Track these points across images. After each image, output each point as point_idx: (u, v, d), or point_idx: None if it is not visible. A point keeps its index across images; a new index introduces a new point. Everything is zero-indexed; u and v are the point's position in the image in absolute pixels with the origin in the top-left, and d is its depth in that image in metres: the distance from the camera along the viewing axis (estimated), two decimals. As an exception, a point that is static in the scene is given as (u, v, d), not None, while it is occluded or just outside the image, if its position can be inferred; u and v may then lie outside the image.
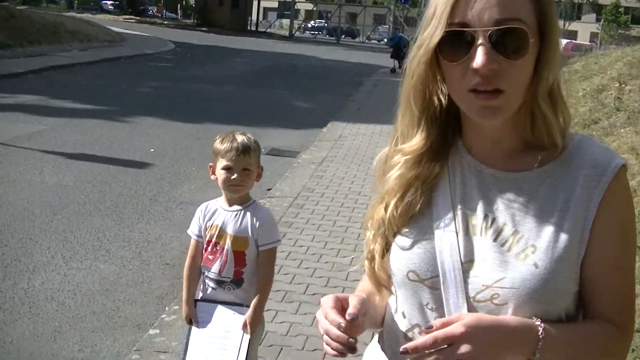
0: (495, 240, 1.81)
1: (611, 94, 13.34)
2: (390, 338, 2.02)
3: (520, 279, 1.73)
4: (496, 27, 1.67)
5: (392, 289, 2.01)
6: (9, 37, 27.92)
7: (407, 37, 38.15)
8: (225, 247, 4.07)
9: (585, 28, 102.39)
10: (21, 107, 16.30)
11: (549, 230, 1.77)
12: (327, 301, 1.86)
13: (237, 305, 4.11)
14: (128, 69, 27.34)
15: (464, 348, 1.62)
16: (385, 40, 77.46)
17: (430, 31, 1.75)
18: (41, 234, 8.19)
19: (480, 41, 1.68)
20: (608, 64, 16.58)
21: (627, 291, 1.87)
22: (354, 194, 10.59)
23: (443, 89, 1.85)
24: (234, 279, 4.07)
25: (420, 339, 1.66)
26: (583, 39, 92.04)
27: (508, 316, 1.72)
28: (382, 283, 2.02)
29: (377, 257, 1.98)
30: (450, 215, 1.87)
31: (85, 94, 19.29)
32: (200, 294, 4.25)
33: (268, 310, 5.76)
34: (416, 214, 1.92)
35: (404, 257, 1.90)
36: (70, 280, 7.03)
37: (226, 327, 4.11)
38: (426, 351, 1.65)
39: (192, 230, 4.27)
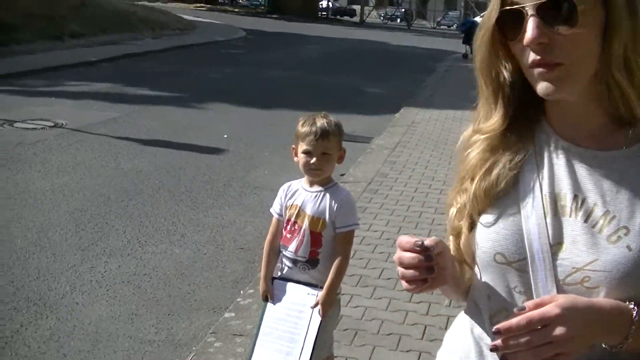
0: (586, 221, 1.74)
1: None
2: (476, 319, 1.99)
3: (613, 262, 1.67)
4: (541, 1, 1.64)
5: (476, 269, 1.97)
6: (82, 25, 28.26)
7: (479, 21, 37.90)
8: (303, 226, 4.07)
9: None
10: (95, 95, 16.53)
11: None
12: (402, 237, 1.82)
13: (312, 285, 4.09)
14: (199, 56, 27.49)
15: (559, 330, 1.57)
16: (456, 25, 77.22)
17: (488, 12, 1.77)
18: (117, 218, 8.28)
19: (529, 16, 1.66)
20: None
21: None
22: (427, 179, 10.51)
23: (507, 66, 1.82)
24: (310, 259, 4.06)
25: (513, 320, 1.60)
26: None
27: (601, 298, 1.66)
28: (466, 260, 1.97)
29: (464, 233, 1.93)
30: (537, 195, 1.81)
31: (157, 81, 19.47)
32: (278, 273, 4.25)
33: (343, 294, 5.75)
34: (501, 194, 1.86)
35: (491, 238, 1.84)
36: (146, 264, 7.09)
37: (300, 306, 4.10)
38: (519, 332, 1.59)
39: (274, 209, 4.30)
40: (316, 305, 4.03)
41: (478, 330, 1.97)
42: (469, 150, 1.93)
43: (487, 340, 1.91)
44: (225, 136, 13.11)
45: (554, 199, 1.80)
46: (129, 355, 5.45)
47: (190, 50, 29.60)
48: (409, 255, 1.77)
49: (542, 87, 1.70)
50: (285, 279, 4.20)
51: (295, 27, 48.06)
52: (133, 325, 5.88)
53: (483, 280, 1.92)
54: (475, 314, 2.00)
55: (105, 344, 5.57)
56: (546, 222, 1.78)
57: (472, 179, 1.91)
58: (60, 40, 25.49)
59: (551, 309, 1.58)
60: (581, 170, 1.79)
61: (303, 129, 4.04)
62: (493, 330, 1.63)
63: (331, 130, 4.03)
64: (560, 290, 1.72)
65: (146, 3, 53.67)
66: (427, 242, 1.77)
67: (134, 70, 21.86)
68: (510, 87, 1.83)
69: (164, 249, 7.49)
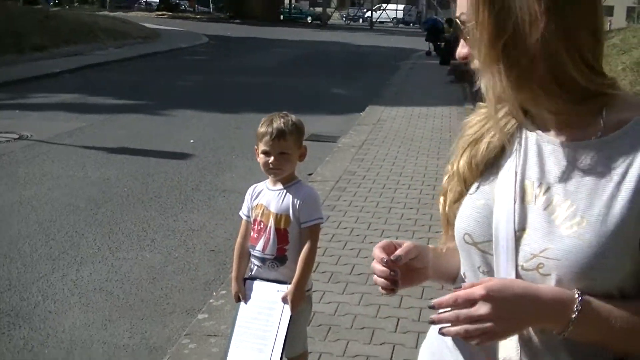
0: (545, 209, 1.78)
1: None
2: None
3: (564, 251, 1.70)
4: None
5: None
6: (45, 38, 28.12)
7: (441, 19, 38.00)
8: (269, 225, 4.11)
9: (622, 3, 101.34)
10: (61, 106, 16.46)
11: (600, 203, 1.72)
12: (379, 243, 2.01)
13: (281, 282, 4.13)
14: (164, 64, 27.44)
15: (483, 309, 1.64)
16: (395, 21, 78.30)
17: None
18: (87, 227, 8.27)
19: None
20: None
21: None
22: (395, 175, 10.57)
23: None
24: (277, 256, 4.10)
25: (445, 296, 1.70)
26: (620, 14, 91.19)
27: (544, 286, 1.71)
28: (450, 222, 2.05)
29: (450, 195, 2.03)
30: (510, 181, 1.86)
31: (122, 90, 19.42)
32: (249, 273, 4.29)
33: (315, 291, 5.78)
34: (485, 170, 1.95)
35: (463, 217, 1.93)
36: (117, 270, 7.09)
37: (270, 303, 4.14)
38: (448, 309, 1.70)
39: (243, 211, 4.36)
40: (285, 300, 4.07)
41: None
42: (472, 120, 2.04)
43: None
44: (192, 142, 13.11)
45: (523, 185, 1.84)
46: (104, 361, 5.47)
47: (153, 58, 29.53)
48: (378, 268, 1.96)
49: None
50: (255, 278, 4.25)
51: (258, 31, 48.04)
52: (107, 331, 5.88)
53: (460, 258, 2.00)
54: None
55: (80, 351, 5.57)
56: (514, 208, 1.82)
57: (465, 150, 2.00)
58: (22, 54, 25.34)
59: (477, 290, 1.66)
60: (550, 158, 1.83)
61: (261, 129, 4.09)
62: (428, 305, 1.74)
63: (287, 130, 4.06)
64: (518, 274, 1.77)
65: (107, 13, 53.54)
66: (397, 252, 1.96)
67: (98, 80, 21.77)
68: None
69: (134, 255, 7.49)
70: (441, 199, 2.08)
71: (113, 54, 29.27)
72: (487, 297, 1.64)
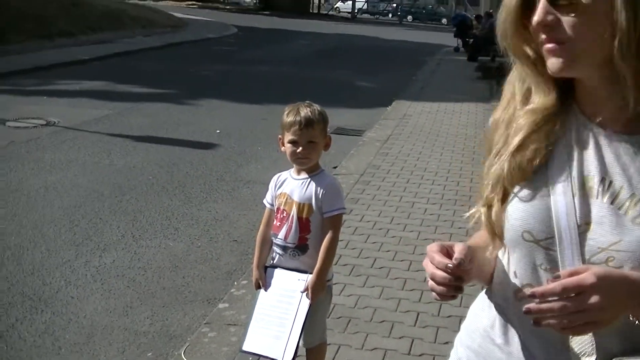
0: (612, 203, 1.77)
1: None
2: (500, 295, 2.04)
3: (637, 243, 1.70)
4: None
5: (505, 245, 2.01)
6: (73, 25, 28.19)
7: (470, 15, 37.89)
8: (291, 213, 4.14)
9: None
10: (88, 93, 16.51)
11: None
12: (433, 247, 1.91)
13: (302, 271, 4.14)
14: (191, 53, 27.47)
15: (594, 298, 1.59)
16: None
17: None
18: (111, 214, 8.31)
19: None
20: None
21: None
22: (419, 171, 10.57)
23: (535, 46, 1.85)
24: (299, 244, 4.12)
25: (549, 285, 1.64)
26: None
27: (633, 272, 1.68)
28: (497, 232, 1.98)
29: (495, 204, 1.97)
30: (566, 176, 1.85)
31: (149, 78, 19.48)
32: (270, 262, 4.31)
33: (336, 283, 5.81)
34: (534, 170, 1.90)
35: (519, 217, 1.89)
36: (140, 257, 7.13)
37: (290, 292, 4.16)
38: (553, 298, 1.63)
39: (266, 200, 4.40)
40: (305, 290, 4.08)
41: (500, 305, 2.03)
42: (515, 128, 1.94)
43: (510, 315, 2.00)
44: (218, 131, 13.16)
45: (582, 180, 1.83)
46: (124, 347, 5.49)
47: (181, 47, 29.56)
48: (441, 275, 1.85)
49: (550, 64, 1.77)
50: (276, 267, 4.27)
51: (286, 24, 48.00)
52: (128, 318, 5.92)
53: (511, 256, 1.97)
54: (499, 290, 2.05)
55: (100, 336, 5.61)
56: (574, 203, 1.81)
57: (508, 156, 1.93)
58: (51, 40, 25.45)
59: (587, 277, 1.61)
60: (609, 153, 1.81)
61: (288, 118, 4.09)
62: (529, 292, 1.68)
63: (315, 119, 4.07)
64: None
65: (137, 1, 53.60)
66: (457, 255, 1.85)
67: (125, 68, 21.83)
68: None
69: (157, 243, 7.53)
70: (483, 210, 2.01)
71: (141, 42, 29.30)
72: (597, 285, 1.60)
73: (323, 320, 4.46)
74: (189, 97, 16.80)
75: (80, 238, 7.52)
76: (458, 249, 1.88)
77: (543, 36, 1.75)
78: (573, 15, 1.70)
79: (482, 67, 25.53)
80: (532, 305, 1.66)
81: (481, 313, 2.13)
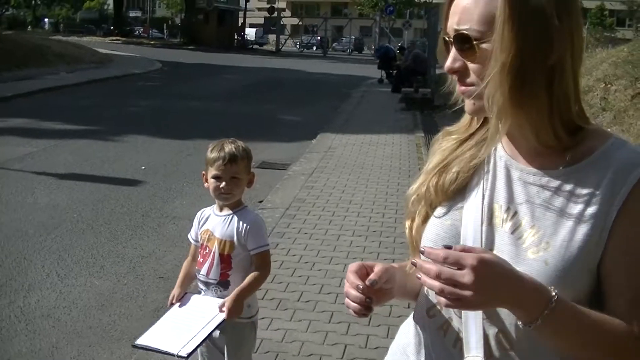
0: (512, 233, 1.88)
1: (597, 94, 13.47)
2: (419, 314, 2.14)
3: (530, 274, 1.76)
4: (455, 34, 1.87)
5: None
6: (-3, 61, 27.98)
7: (393, 47, 38.29)
8: (213, 249, 4.17)
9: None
10: (11, 130, 16.35)
11: (565, 229, 1.81)
12: (353, 267, 2.01)
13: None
14: (116, 89, 27.38)
15: (467, 277, 1.63)
16: (349, 50, 79.14)
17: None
18: (35, 253, 8.24)
19: (450, 47, 1.90)
20: (593, 65, 16.70)
21: None
22: (345, 203, 10.66)
23: None
24: (220, 280, 4.14)
25: (438, 249, 1.70)
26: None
27: (527, 275, 1.73)
28: (417, 246, 2.07)
29: (417, 219, 2.09)
30: (478, 204, 1.96)
31: (74, 115, 19.33)
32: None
33: (263, 318, 5.84)
34: (453, 192, 2.03)
35: (431, 238, 2.01)
36: (65, 297, 7.08)
37: (206, 309, 4.13)
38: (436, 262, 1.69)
39: (191, 235, 4.43)
40: (222, 305, 4.06)
41: (420, 324, 2.12)
42: (443, 147, 2.10)
43: (425, 333, 2.09)
44: (143, 168, 13.12)
45: (491, 209, 1.95)
46: (51, 388, 5.46)
47: (106, 83, 29.44)
48: (353, 294, 1.95)
49: (465, 106, 1.92)
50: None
51: (211, 58, 47.98)
52: (54, 359, 5.86)
53: None
54: (418, 309, 2.14)
55: (26, 377, 5.57)
56: (482, 230, 1.93)
57: (433, 175, 2.07)
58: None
59: (469, 257, 1.65)
60: (518, 185, 1.93)
61: (212, 154, 4.13)
62: (420, 249, 1.78)
63: (239, 155, 4.12)
64: None
65: (60, 38, 53.23)
66: (372, 277, 1.97)
67: (49, 104, 21.67)
68: None
69: (83, 282, 7.48)
70: (407, 222, 2.14)
71: (65, 78, 29.12)
72: (476, 268, 1.63)
73: (249, 356, 4.48)
74: (114, 134, 16.73)
75: (4, 279, 7.44)
76: (375, 270, 1.99)
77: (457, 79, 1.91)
78: (473, 60, 1.85)
79: (406, 98, 25.83)
80: (417, 260, 1.74)
81: (404, 331, 2.23)
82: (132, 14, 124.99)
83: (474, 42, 1.83)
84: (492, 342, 1.89)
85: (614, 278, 1.80)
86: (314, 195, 11.18)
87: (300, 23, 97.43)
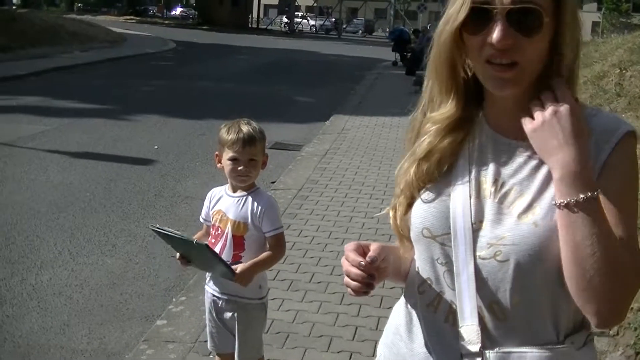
0: (502, 203, 1.93)
1: (612, 80, 13.39)
2: (410, 293, 2.18)
3: (520, 236, 1.85)
4: (513, 6, 1.81)
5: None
6: (11, 39, 28.04)
7: (407, 30, 38.20)
8: (226, 231, 4.13)
9: (587, 17, 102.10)
10: (24, 109, 16.38)
11: (551, 193, 1.86)
12: (350, 246, 2.05)
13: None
14: (129, 68, 27.39)
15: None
16: (361, 32, 79.15)
17: (456, 8, 1.88)
18: (47, 231, 8.25)
19: (498, 18, 1.81)
20: (609, 51, 16.63)
21: (633, 241, 1.89)
22: (357, 185, 10.64)
23: (467, 61, 1.98)
24: (233, 262, 4.08)
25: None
26: (585, 29, 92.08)
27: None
28: (403, 234, 2.14)
29: (400, 208, 2.12)
30: (466, 179, 2.01)
31: (87, 94, 19.35)
32: (205, 279, 4.31)
33: (274, 298, 5.87)
34: (440, 175, 2.06)
35: (421, 215, 2.04)
36: (77, 275, 7.09)
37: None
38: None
39: (202, 216, 4.40)
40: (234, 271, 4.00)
41: (411, 302, 2.16)
42: (424, 138, 2.08)
43: (416, 311, 2.13)
44: (156, 147, 13.12)
45: (479, 182, 1.99)
46: (61, 366, 5.47)
47: (120, 62, 29.46)
48: (354, 272, 1.97)
49: (495, 83, 1.89)
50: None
51: (225, 38, 48.00)
52: (65, 336, 5.88)
53: (415, 253, 2.12)
54: (409, 287, 2.18)
55: (37, 355, 5.57)
56: (470, 204, 1.97)
57: (418, 163, 2.08)
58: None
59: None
60: (505, 158, 1.98)
61: (229, 136, 4.05)
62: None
63: (257, 137, 4.07)
64: (476, 264, 1.91)
65: (75, 16, 53.24)
66: (371, 253, 1.99)
67: (63, 83, 21.71)
68: (465, 80, 2.01)
69: (95, 260, 7.49)
70: (391, 213, 2.17)
71: (79, 57, 29.16)
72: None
73: (259, 336, 4.45)
74: (126, 113, 16.73)
75: (16, 256, 7.46)
76: (372, 248, 2.02)
77: (492, 53, 1.84)
78: (529, 40, 1.83)
79: (420, 80, 25.42)
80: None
81: (396, 311, 2.27)
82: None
83: (545, 20, 1.82)
84: (486, 313, 1.93)
85: None
86: (326, 176, 11.16)
87: (315, 4, 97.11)
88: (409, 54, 31.12)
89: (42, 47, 29.51)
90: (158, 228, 3.77)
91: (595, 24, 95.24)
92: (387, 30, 58.87)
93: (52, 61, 26.39)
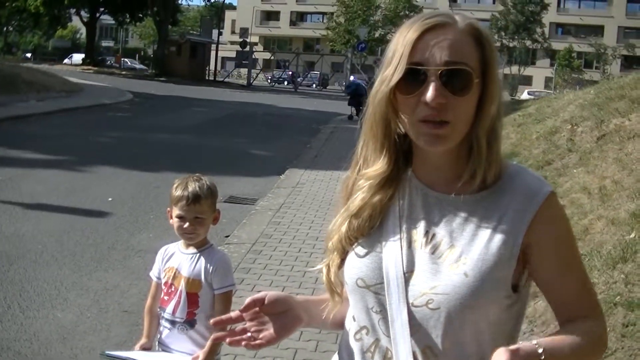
0: (433, 253, 2.05)
1: (564, 135, 13.58)
2: (344, 339, 2.26)
3: (452, 286, 1.98)
4: (446, 67, 1.93)
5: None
6: (-35, 88, 27.84)
7: (363, 83, 38.40)
8: (180, 288, 4.12)
9: (540, 73, 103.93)
10: (-23, 158, 16.22)
11: (480, 244, 2.00)
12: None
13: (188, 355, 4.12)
14: (86, 119, 27.28)
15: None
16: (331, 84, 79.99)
17: (391, 70, 2.00)
18: (-3, 283, 8.16)
19: (432, 78, 1.93)
20: (560, 107, 16.87)
21: (585, 286, 2.14)
22: (311, 239, 10.67)
23: (398, 120, 2.08)
24: (187, 319, 4.10)
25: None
26: (538, 84, 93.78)
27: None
28: (335, 290, 2.24)
29: (333, 265, 2.22)
30: (397, 231, 2.11)
31: (42, 144, 19.22)
32: (158, 336, 4.29)
33: (227, 354, 5.82)
34: (370, 230, 2.16)
35: (355, 266, 2.14)
36: (27, 329, 7.01)
37: (175, 357, 4.12)
38: None
39: (153, 273, 4.36)
40: (196, 358, 4.05)
41: (347, 351, 2.23)
42: (356, 195, 2.18)
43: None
44: (110, 199, 13.06)
45: (410, 234, 2.10)
46: (8, 422, 5.40)
47: (76, 113, 29.32)
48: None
49: (426, 140, 1.99)
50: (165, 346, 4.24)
51: (183, 90, 47.95)
52: (13, 391, 5.82)
53: (350, 303, 2.21)
54: (345, 336, 2.27)
55: (-16, 411, 5.51)
56: (402, 254, 2.07)
57: (350, 219, 2.18)
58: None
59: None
60: (435, 211, 2.10)
61: (176, 192, 4.09)
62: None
63: (203, 195, 4.09)
64: (409, 311, 2.01)
65: (31, 65, 52.98)
66: (247, 301, 2.24)
67: (17, 133, 21.56)
68: (397, 139, 2.13)
69: (45, 314, 7.41)
70: (324, 269, 2.27)
71: (35, 106, 28.94)
72: None
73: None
74: (82, 164, 16.65)
75: (-35, 309, 7.37)
76: (249, 299, 2.26)
77: (426, 113, 1.96)
78: (459, 100, 1.95)
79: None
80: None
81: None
82: (104, 43, 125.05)
83: (475, 80, 1.96)
84: (420, 358, 2.03)
85: (549, 282, 2.08)
86: (280, 231, 11.18)
87: (272, 57, 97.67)
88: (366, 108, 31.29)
89: (-2, 95, 29.34)
90: (108, 355, 3.81)
91: (548, 79, 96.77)
92: (344, 83, 59.11)
93: (7, 110, 26.17)
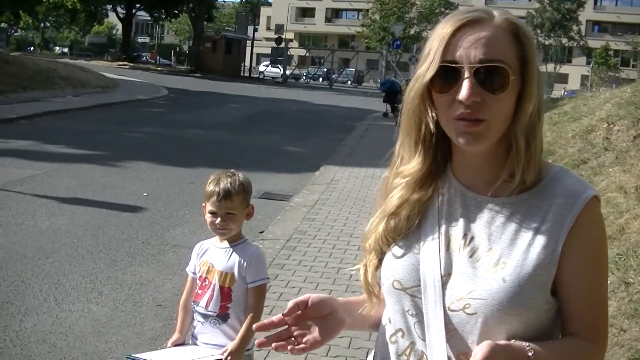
0: (471, 256, 2.00)
1: (600, 134, 13.44)
2: (380, 342, 2.24)
3: (489, 291, 1.93)
4: (480, 65, 1.89)
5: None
6: (3, 82, 28.10)
7: (398, 81, 38.32)
8: (213, 282, 4.14)
9: (576, 71, 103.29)
10: (14, 152, 16.37)
11: (520, 249, 1.95)
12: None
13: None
14: (121, 114, 27.42)
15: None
16: (350, 81, 79.88)
17: (425, 67, 1.98)
18: (33, 277, 8.20)
19: (466, 76, 1.90)
20: (597, 105, 16.71)
21: (599, 311, 2.05)
22: (346, 236, 10.64)
23: (432, 116, 2.03)
24: (220, 313, 4.11)
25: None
26: (574, 82, 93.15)
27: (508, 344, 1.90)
28: (372, 291, 2.21)
29: (370, 266, 2.19)
30: (435, 233, 2.07)
31: (78, 139, 19.35)
32: (192, 330, 4.29)
33: (260, 350, 5.79)
34: (408, 231, 2.12)
35: (392, 268, 2.11)
36: (62, 322, 7.04)
37: (205, 353, 4.12)
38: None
39: (189, 268, 4.39)
40: (226, 351, 4.06)
41: (383, 352, 2.20)
42: (393, 193, 2.15)
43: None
44: (145, 194, 13.11)
45: (448, 236, 2.06)
46: (43, 414, 5.41)
47: (111, 108, 29.50)
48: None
49: (463, 139, 1.94)
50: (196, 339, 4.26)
51: (218, 87, 48.17)
52: (47, 384, 5.83)
53: (386, 305, 2.17)
54: (380, 338, 2.23)
55: (19, 403, 5.53)
56: (440, 257, 2.03)
57: (388, 219, 2.15)
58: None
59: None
60: (474, 212, 2.05)
61: (208, 188, 4.13)
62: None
63: (234, 191, 4.09)
64: (446, 315, 1.97)
65: (68, 60, 53.40)
66: (290, 304, 2.14)
67: (53, 128, 21.71)
68: (433, 136, 2.07)
69: (80, 307, 7.44)
70: (362, 269, 2.24)
71: (70, 102, 29.17)
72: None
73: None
74: (116, 159, 16.73)
75: (0, 301, 7.41)
76: (292, 302, 2.17)
77: (461, 111, 1.91)
78: (496, 98, 1.91)
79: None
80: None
81: None
82: (140, 39, 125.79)
83: (511, 77, 1.91)
84: None
85: (569, 295, 1.99)
86: (315, 227, 11.16)
87: (307, 54, 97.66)
88: (400, 106, 31.23)
89: (34, 91, 29.56)
90: (134, 357, 3.88)
91: (584, 78, 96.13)
92: (379, 80, 58.97)
93: (44, 105, 26.39)
